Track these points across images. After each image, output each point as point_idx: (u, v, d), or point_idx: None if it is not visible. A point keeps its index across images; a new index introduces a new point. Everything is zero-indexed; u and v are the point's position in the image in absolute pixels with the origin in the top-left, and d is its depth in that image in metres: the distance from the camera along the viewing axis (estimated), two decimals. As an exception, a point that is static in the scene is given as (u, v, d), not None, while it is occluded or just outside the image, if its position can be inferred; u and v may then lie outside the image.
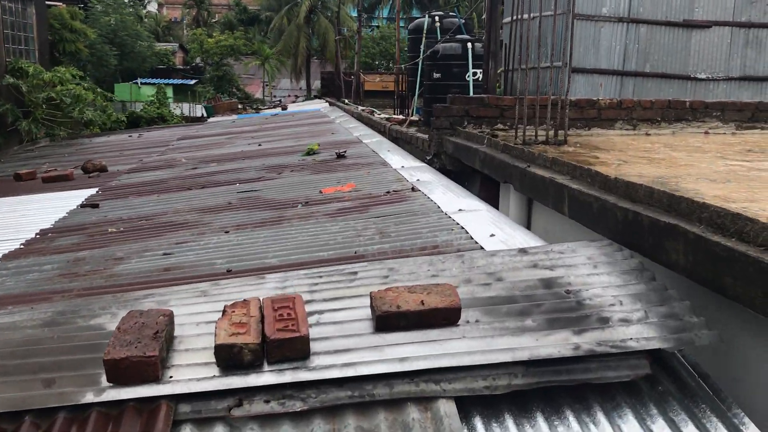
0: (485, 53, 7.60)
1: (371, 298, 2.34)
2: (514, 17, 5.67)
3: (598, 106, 6.41)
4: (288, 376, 2.01)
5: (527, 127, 5.16)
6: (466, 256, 2.97)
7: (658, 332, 2.20)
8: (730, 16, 9.77)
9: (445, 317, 2.26)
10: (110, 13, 33.28)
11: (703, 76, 9.88)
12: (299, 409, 1.95)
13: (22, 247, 4.46)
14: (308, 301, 2.49)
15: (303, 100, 28.35)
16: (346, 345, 2.17)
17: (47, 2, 19.76)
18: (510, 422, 2.00)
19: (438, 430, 1.88)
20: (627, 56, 9.76)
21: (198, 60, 41.28)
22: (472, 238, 3.47)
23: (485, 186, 5.70)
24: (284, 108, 21.10)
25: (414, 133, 8.58)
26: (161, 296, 2.79)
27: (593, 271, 2.70)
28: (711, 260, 2.45)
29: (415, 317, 2.23)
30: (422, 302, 2.26)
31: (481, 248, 3.26)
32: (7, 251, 4.31)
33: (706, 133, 6.34)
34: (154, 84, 32.48)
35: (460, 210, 4.15)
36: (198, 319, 2.43)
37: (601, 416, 2.03)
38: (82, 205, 5.82)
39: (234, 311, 2.21)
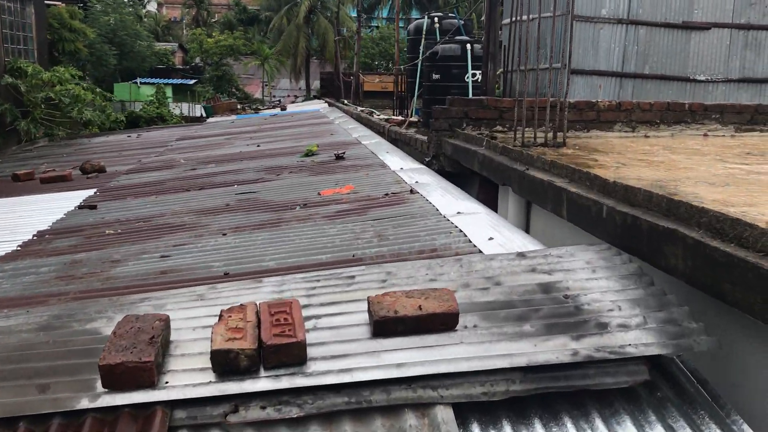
0: (484, 54, 7.60)
1: (369, 303, 2.32)
2: (514, 18, 5.66)
3: (597, 108, 6.40)
4: (284, 382, 2.00)
5: (526, 128, 5.15)
6: (464, 260, 2.95)
7: (657, 338, 2.18)
8: (730, 18, 9.77)
9: (442, 322, 2.25)
10: (110, 13, 33.31)
11: (702, 77, 9.88)
12: (296, 416, 1.94)
13: (19, 248, 4.45)
14: (305, 306, 2.48)
15: (302, 101, 28.36)
16: (343, 350, 2.16)
17: (46, 2, 19.74)
18: (508, 429, 1.99)
19: (435, 437, 1.86)
20: (626, 58, 9.75)
21: (197, 60, 41.33)
22: (470, 242, 3.46)
23: (484, 188, 5.69)
24: (283, 108, 21.10)
25: (413, 134, 8.58)
26: (158, 300, 2.78)
27: (592, 275, 2.69)
28: (710, 265, 2.45)
29: (412, 322, 2.22)
30: (420, 307, 2.25)
31: (480, 252, 3.25)
32: (3, 253, 4.30)
33: (705, 135, 6.33)
34: (153, 84, 32.48)
35: (458, 213, 4.14)
36: (194, 324, 2.42)
37: (599, 423, 2.01)
38: (80, 207, 5.80)
39: (230, 316, 2.20)
